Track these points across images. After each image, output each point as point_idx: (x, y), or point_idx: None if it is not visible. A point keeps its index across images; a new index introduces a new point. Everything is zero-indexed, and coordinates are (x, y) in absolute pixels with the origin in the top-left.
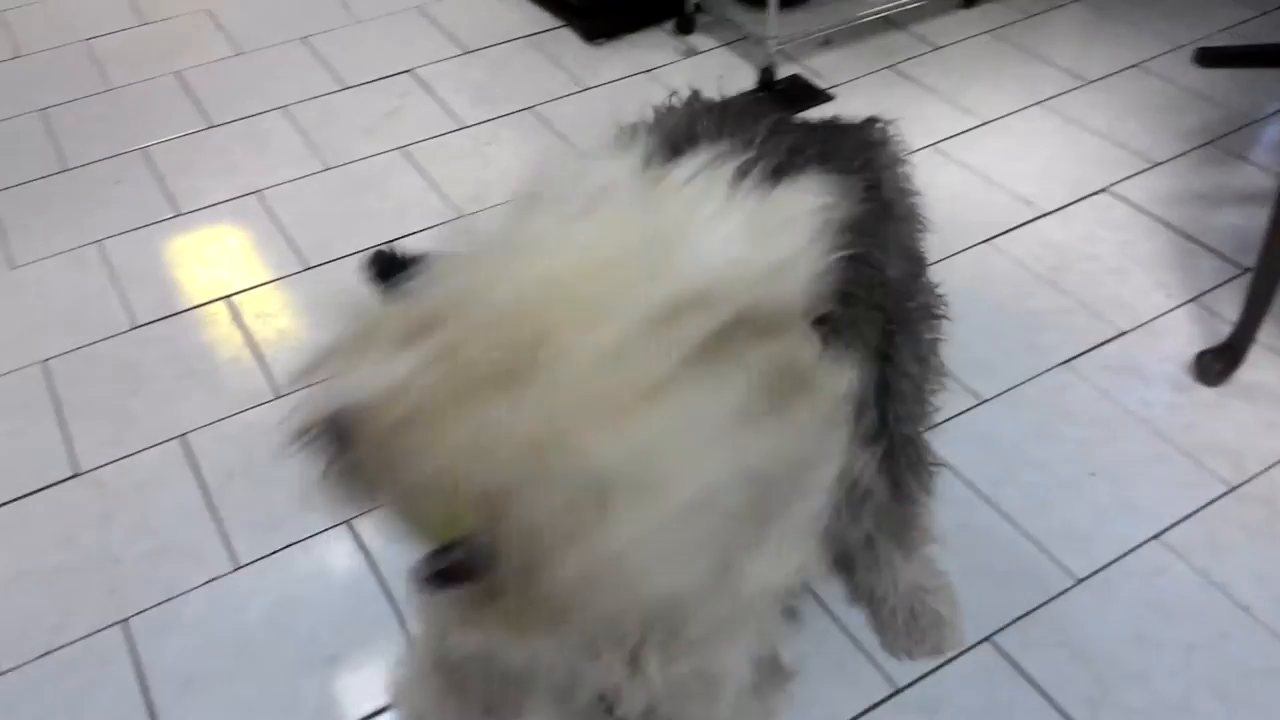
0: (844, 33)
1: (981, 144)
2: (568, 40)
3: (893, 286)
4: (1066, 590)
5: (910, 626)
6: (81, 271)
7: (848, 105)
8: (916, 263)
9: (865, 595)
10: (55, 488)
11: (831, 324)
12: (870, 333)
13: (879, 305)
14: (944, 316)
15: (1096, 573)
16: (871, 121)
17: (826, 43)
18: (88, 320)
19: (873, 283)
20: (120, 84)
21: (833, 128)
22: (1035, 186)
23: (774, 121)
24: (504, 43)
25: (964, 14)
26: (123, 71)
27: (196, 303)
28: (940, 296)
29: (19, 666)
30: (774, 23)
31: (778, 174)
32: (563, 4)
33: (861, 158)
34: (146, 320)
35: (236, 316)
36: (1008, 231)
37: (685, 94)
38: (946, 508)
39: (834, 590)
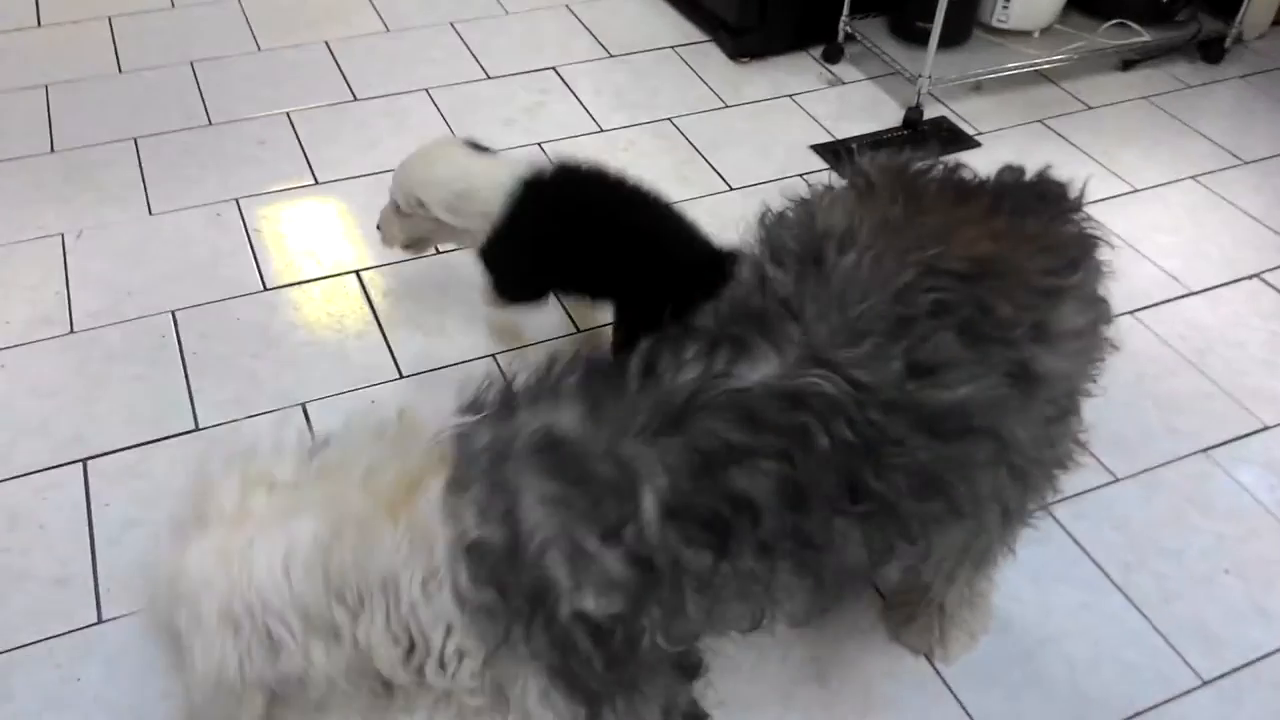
0: (995, 81)
1: (1130, 211)
2: (712, 55)
3: (1020, 449)
4: (1192, 690)
5: (943, 628)
6: (218, 227)
7: (994, 154)
8: (1063, 414)
9: (915, 583)
10: (175, 439)
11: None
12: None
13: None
14: (1074, 468)
15: (1225, 676)
16: (1057, 271)
17: (977, 88)
18: (220, 277)
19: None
20: (269, 47)
21: (996, 267)
22: (1183, 263)
23: (924, 262)
24: (649, 50)
25: (1120, 76)
26: (273, 35)
27: (327, 273)
28: (1081, 444)
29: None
30: (930, 62)
31: (914, 343)
32: (713, 18)
33: (1026, 321)
34: (277, 284)
35: (365, 292)
36: (1152, 306)
37: (818, 189)
38: (1072, 587)
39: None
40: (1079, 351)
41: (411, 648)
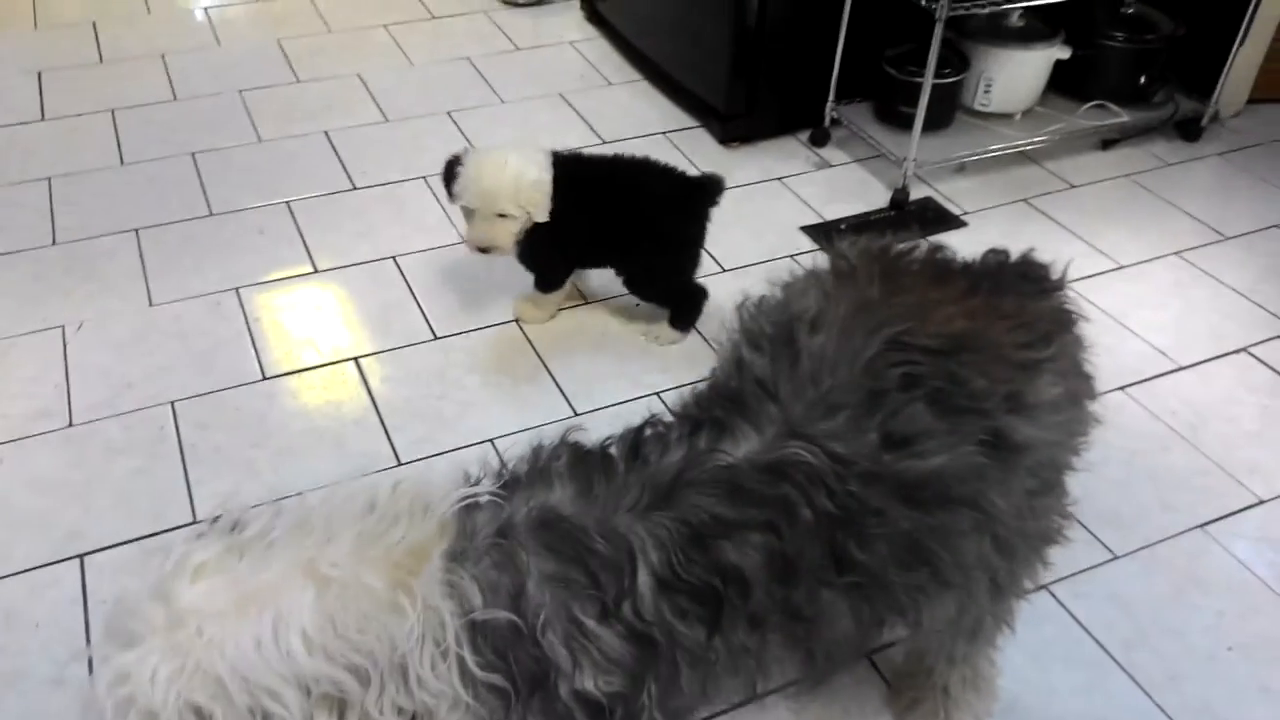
0: (979, 162)
1: (1116, 288)
2: (702, 140)
3: (1002, 519)
4: None
5: (947, 711)
6: (217, 317)
7: (980, 233)
8: (1046, 487)
9: (918, 667)
10: (174, 532)
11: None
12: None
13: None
14: (1062, 540)
15: None
16: (1031, 345)
17: (961, 169)
18: (219, 366)
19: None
20: (269, 137)
21: (969, 342)
22: (1171, 338)
23: (891, 338)
24: (641, 136)
25: (1101, 155)
26: (273, 125)
27: (326, 361)
28: (1065, 522)
29: None
30: (915, 145)
31: (887, 416)
32: (702, 105)
33: (1000, 392)
34: (275, 373)
35: (364, 378)
36: (1142, 381)
37: (799, 276)
38: (1076, 666)
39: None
40: (1058, 424)
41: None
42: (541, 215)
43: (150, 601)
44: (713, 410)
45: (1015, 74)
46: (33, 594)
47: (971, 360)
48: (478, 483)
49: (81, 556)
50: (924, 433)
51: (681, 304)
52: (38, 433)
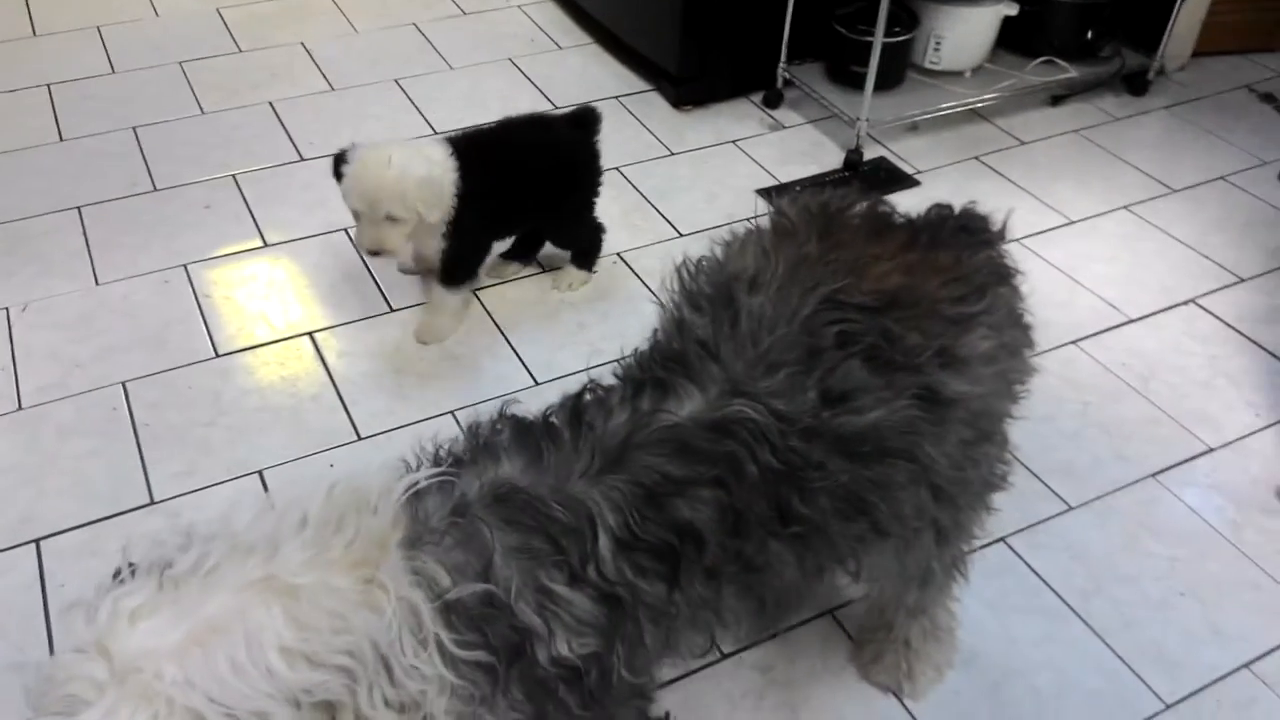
0: (931, 121)
1: (1066, 243)
2: (655, 104)
3: (938, 469)
4: (1156, 715)
5: (909, 663)
6: (166, 294)
7: (933, 191)
8: (983, 436)
9: (879, 621)
10: (130, 514)
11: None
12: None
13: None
14: (1005, 485)
15: (1185, 699)
16: (964, 299)
17: (913, 128)
18: (170, 345)
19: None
20: (213, 109)
21: (903, 298)
22: (1120, 291)
23: (826, 296)
24: (593, 100)
25: (1050, 111)
26: (216, 97)
27: (280, 336)
28: (1006, 468)
29: None
30: (867, 105)
31: (824, 373)
32: (654, 68)
33: (932, 347)
34: (228, 350)
35: (319, 353)
36: (1094, 335)
37: (741, 234)
38: (1034, 616)
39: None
40: (991, 376)
41: (402, 709)
42: (433, 216)
43: (86, 660)
44: (654, 371)
45: (964, 31)
46: None
47: (905, 316)
48: (417, 469)
49: (37, 541)
50: (859, 389)
51: (589, 242)
52: None
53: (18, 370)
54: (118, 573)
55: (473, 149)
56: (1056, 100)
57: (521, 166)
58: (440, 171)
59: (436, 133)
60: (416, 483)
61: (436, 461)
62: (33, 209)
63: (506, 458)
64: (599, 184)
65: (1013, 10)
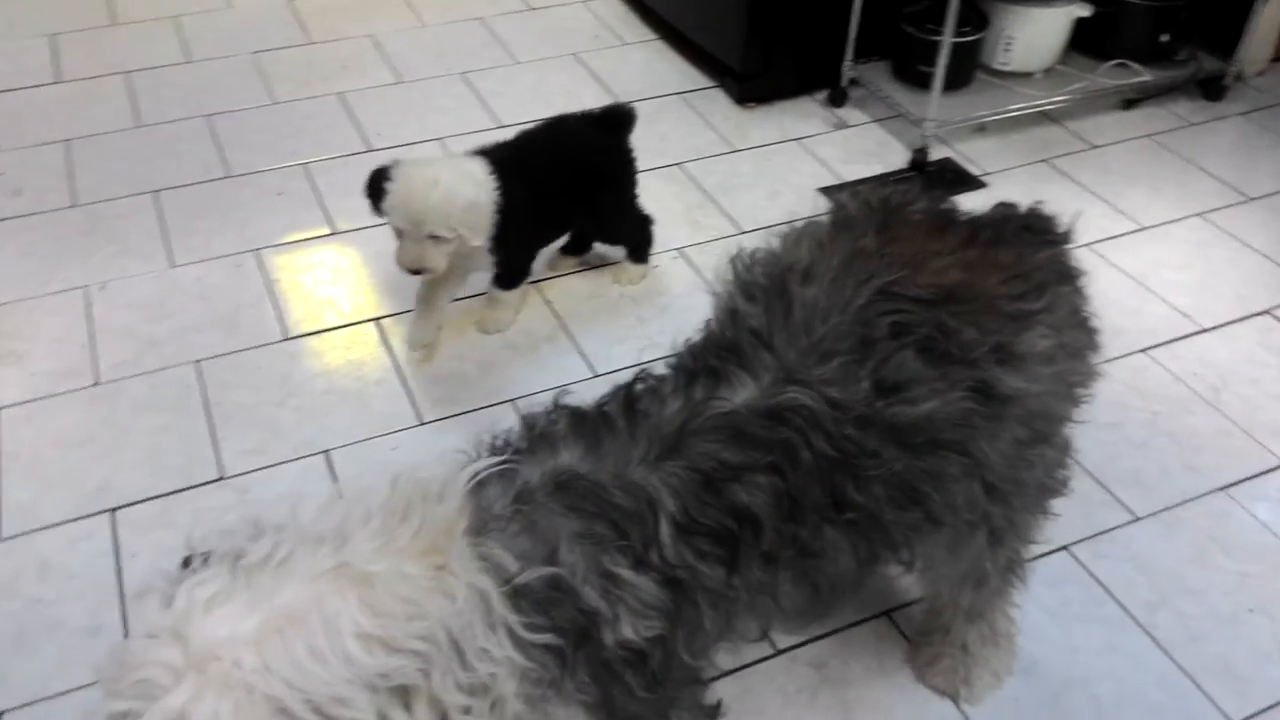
0: (999, 122)
1: (1138, 249)
2: (718, 100)
3: (992, 466)
4: None
5: (967, 668)
6: (238, 278)
7: (1000, 194)
8: (1040, 438)
9: (936, 623)
10: (201, 489)
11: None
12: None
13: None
14: (1064, 491)
15: (1253, 716)
16: (1024, 296)
17: (981, 130)
18: (241, 327)
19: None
20: (285, 99)
21: (960, 293)
22: (1193, 300)
23: (881, 287)
24: (656, 97)
25: (1123, 115)
26: (287, 87)
27: (346, 322)
28: (1066, 474)
29: None
30: (935, 105)
31: (878, 363)
32: (718, 65)
33: (988, 343)
34: (297, 333)
35: (384, 339)
36: (1165, 344)
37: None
38: (1097, 626)
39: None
40: (1050, 376)
41: (473, 694)
42: (477, 239)
43: (161, 646)
44: (707, 360)
45: (1036, 32)
46: (66, 547)
47: (962, 311)
48: (477, 459)
49: (113, 510)
50: (913, 379)
51: (638, 237)
52: (65, 390)
53: (96, 347)
54: (186, 561)
55: (506, 161)
56: (1129, 104)
57: (553, 174)
58: (484, 193)
59: (502, 125)
60: (479, 471)
61: (495, 451)
62: (111, 192)
63: (565, 446)
64: (634, 182)
65: (1086, 11)
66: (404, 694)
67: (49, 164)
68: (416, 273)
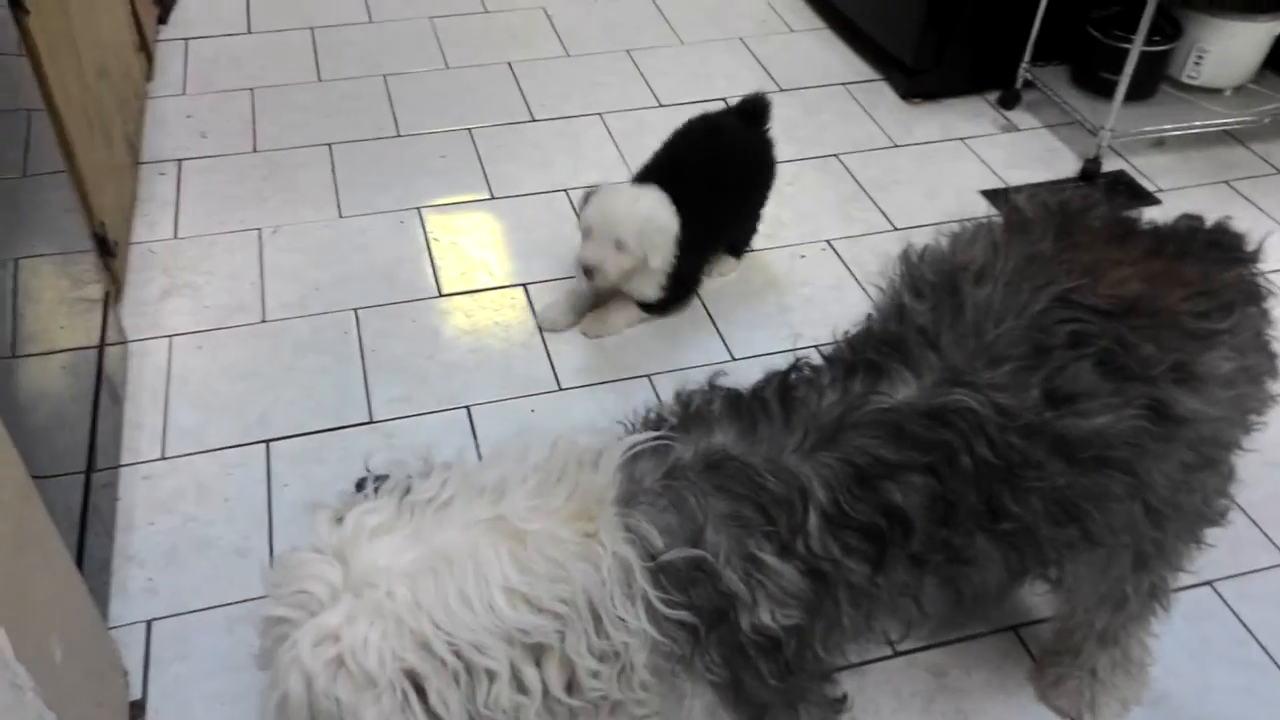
0: (1180, 138)
1: None
2: (883, 94)
3: (1155, 488)
4: None
5: (1094, 693)
6: (400, 233)
7: (1174, 213)
8: (1207, 463)
9: (1066, 645)
10: (350, 429)
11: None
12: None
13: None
14: (1222, 522)
15: None
16: (1209, 315)
17: (1159, 144)
18: (399, 280)
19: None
20: (456, 65)
21: (1142, 306)
22: None
23: (1059, 294)
24: (819, 86)
25: None
26: (460, 53)
27: (497, 284)
28: (1226, 504)
29: None
30: (1115, 114)
31: (1051, 372)
32: (887, 57)
33: (1168, 361)
34: (450, 291)
35: (530, 305)
36: None
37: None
38: (1236, 668)
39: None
40: (1228, 400)
41: (603, 660)
42: (655, 261)
43: (325, 563)
44: (866, 354)
45: (1232, 46)
46: (223, 471)
47: (1142, 325)
48: (631, 431)
49: (268, 442)
50: (1087, 393)
51: (751, 233)
52: (234, 325)
53: (265, 286)
54: (361, 483)
55: (676, 188)
56: None
57: (716, 187)
58: (673, 223)
59: (662, 104)
60: (635, 444)
61: (649, 425)
62: (290, 141)
63: (719, 427)
64: (775, 176)
65: None
66: (538, 651)
67: (235, 110)
68: (589, 271)
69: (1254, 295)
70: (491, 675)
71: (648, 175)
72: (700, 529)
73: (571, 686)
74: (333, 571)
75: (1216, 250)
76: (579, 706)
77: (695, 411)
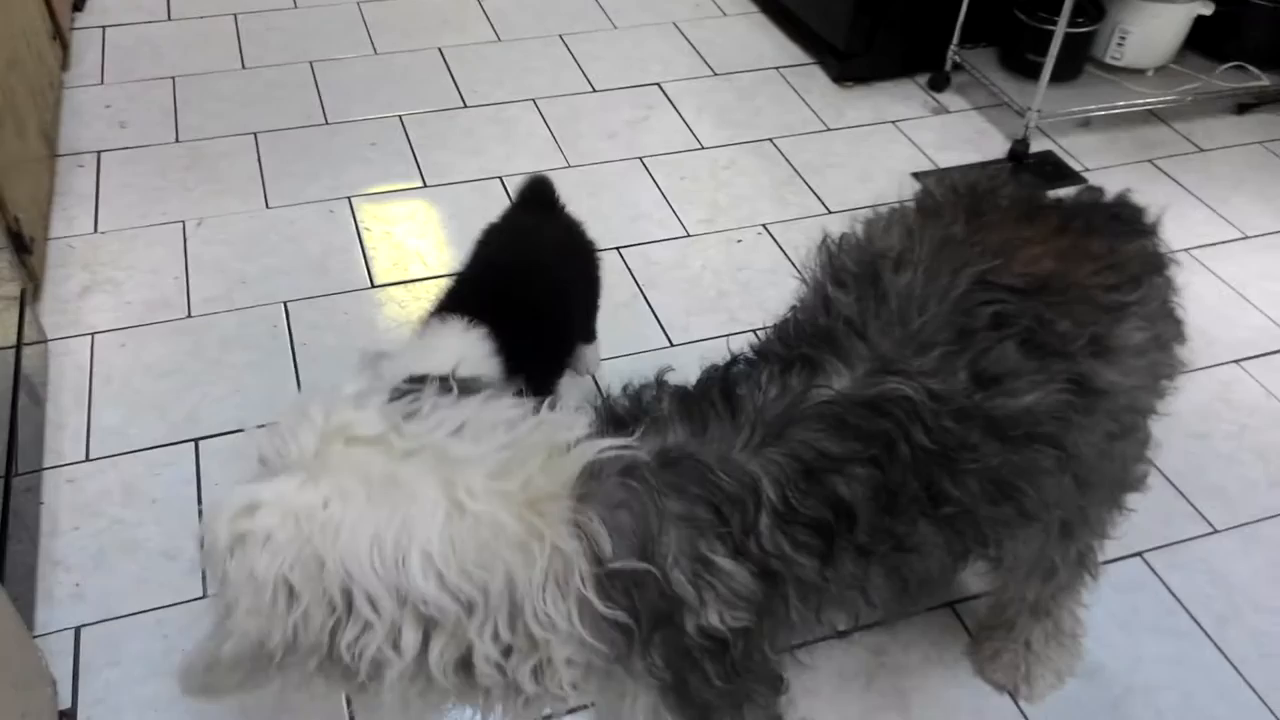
0: (1105, 118)
1: (1240, 258)
2: (816, 78)
3: (1083, 459)
4: None
5: (1029, 665)
6: (330, 224)
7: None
8: (1127, 431)
9: (1000, 619)
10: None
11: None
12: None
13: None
14: (1142, 488)
15: None
16: (1118, 287)
17: (1085, 124)
18: (330, 271)
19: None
20: (385, 50)
21: (1055, 283)
22: None
23: (977, 276)
24: (753, 70)
25: (1236, 120)
26: (389, 39)
27: (432, 274)
28: (1145, 469)
29: None
30: (1041, 95)
31: (977, 354)
32: (819, 41)
33: (1085, 335)
34: (384, 282)
35: None
36: (1260, 356)
37: (898, 199)
38: (1166, 636)
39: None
40: (1141, 368)
41: (509, 651)
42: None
43: (312, 434)
44: (800, 348)
45: (1153, 27)
46: (150, 472)
47: (1057, 302)
48: (592, 419)
49: (196, 440)
50: (1013, 372)
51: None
52: (158, 321)
53: (189, 280)
54: (412, 380)
55: (481, 313)
56: (1243, 109)
57: (528, 296)
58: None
59: (595, 90)
60: (610, 448)
61: (612, 420)
62: (213, 131)
63: (672, 424)
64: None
65: (1207, 10)
66: (429, 622)
67: (156, 100)
68: None
69: (1158, 265)
70: (367, 625)
71: (451, 307)
72: (652, 529)
73: (461, 667)
74: (309, 450)
75: (1119, 223)
76: (460, 685)
77: (646, 407)
